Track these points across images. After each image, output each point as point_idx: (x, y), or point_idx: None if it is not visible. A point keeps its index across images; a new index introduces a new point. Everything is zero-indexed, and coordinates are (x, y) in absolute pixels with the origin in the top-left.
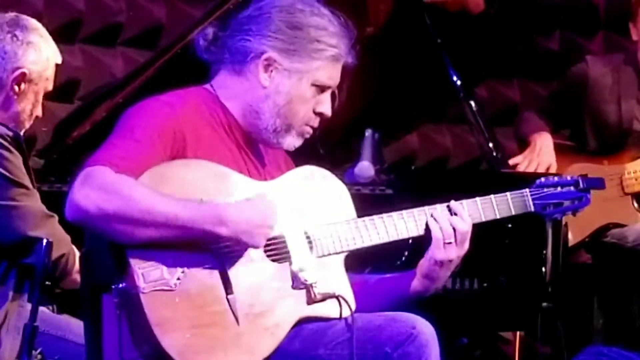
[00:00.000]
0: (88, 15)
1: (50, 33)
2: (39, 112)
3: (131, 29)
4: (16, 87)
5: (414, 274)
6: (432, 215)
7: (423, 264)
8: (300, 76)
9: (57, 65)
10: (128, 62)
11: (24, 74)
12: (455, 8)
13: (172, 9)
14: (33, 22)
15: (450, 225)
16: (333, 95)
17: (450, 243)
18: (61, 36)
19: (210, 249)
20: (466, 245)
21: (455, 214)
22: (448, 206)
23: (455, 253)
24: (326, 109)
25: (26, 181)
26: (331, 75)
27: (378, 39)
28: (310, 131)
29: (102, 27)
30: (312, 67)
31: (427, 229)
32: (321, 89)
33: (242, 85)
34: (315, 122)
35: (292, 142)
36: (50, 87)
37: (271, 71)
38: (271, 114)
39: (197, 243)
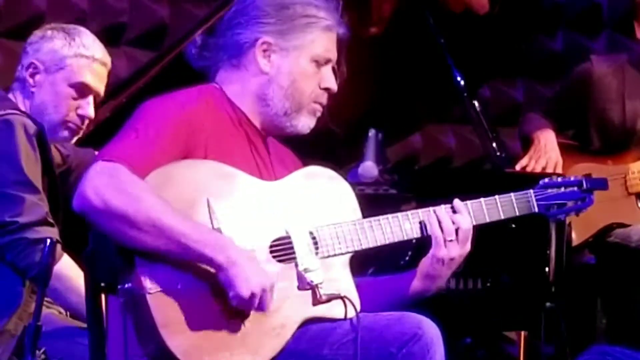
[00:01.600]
0: (91, 15)
1: None
2: (64, 106)
3: (135, 29)
4: (30, 80)
5: (414, 274)
6: (434, 212)
7: (424, 262)
8: (297, 53)
9: (93, 59)
10: (132, 62)
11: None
12: (458, 8)
13: (175, 9)
14: (66, 26)
15: (451, 222)
16: (334, 71)
17: (451, 241)
18: None
19: None
20: (468, 245)
21: (458, 212)
22: (452, 206)
23: (457, 251)
24: (331, 83)
25: (35, 180)
26: (327, 46)
27: (381, 38)
28: (321, 109)
29: (106, 27)
30: (307, 41)
31: (431, 227)
32: (321, 63)
33: (244, 77)
34: (324, 98)
35: (306, 122)
36: (78, 79)
37: (269, 55)
38: (279, 97)
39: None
